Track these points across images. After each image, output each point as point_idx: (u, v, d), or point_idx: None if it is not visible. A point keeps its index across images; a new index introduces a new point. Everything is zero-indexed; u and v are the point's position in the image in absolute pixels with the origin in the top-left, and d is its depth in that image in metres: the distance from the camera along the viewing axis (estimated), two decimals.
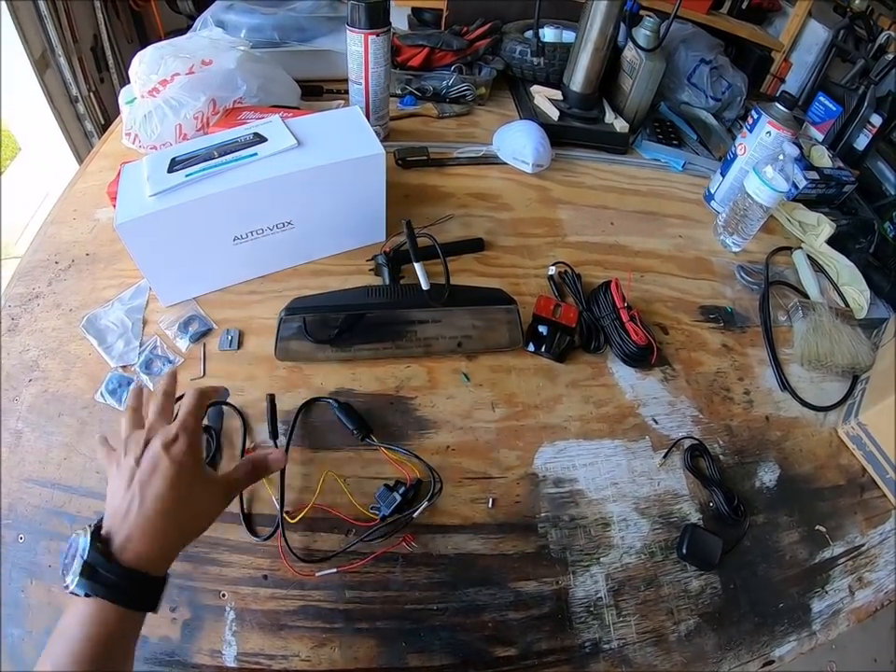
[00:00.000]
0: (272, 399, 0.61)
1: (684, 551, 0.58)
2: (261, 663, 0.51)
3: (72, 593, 0.37)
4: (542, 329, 0.68)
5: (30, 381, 0.67)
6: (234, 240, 0.67)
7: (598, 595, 0.57)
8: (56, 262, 0.80)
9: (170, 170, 0.66)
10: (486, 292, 0.64)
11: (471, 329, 0.65)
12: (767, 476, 0.67)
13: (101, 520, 0.42)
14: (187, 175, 0.65)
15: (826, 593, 0.61)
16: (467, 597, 0.55)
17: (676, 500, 0.63)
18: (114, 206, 0.84)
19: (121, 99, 0.96)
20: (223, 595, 0.53)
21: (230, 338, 0.68)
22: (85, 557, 0.38)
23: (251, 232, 0.68)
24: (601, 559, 0.58)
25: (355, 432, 0.60)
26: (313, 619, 0.53)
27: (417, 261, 0.60)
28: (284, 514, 0.56)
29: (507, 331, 0.66)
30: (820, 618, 0.60)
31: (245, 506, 0.57)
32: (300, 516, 0.55)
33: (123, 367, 0.67)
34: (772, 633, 0.58)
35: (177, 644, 0.52)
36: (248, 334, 0.69)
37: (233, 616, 0.53)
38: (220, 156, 0.67)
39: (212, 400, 0.53)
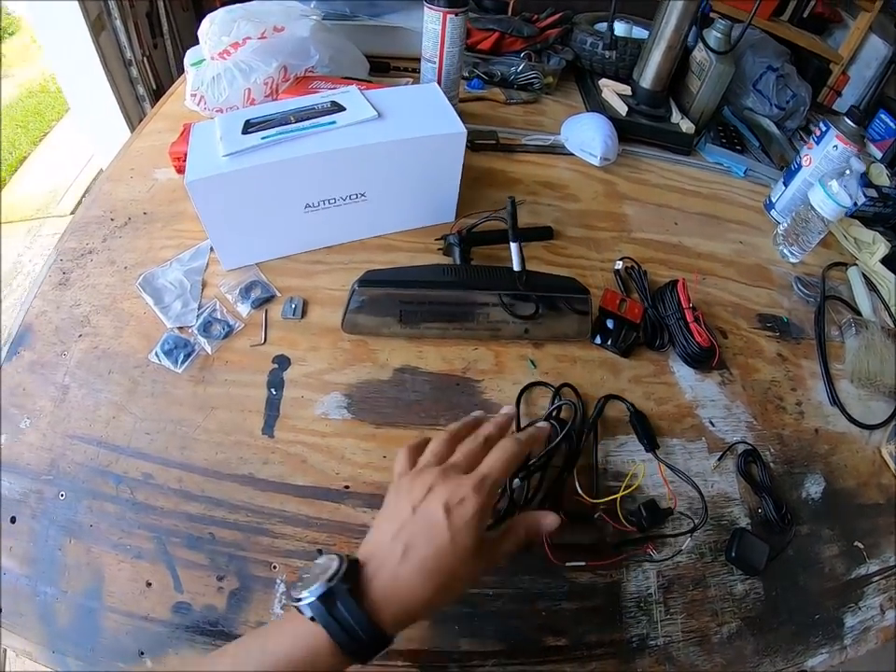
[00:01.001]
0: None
1: (733, 554, 0.57)
2: None
3: (298, 608, 0.34)
4: (610, 322, 0.65)
5: (80, 336, 0.65)
6: (305, 207, 0.65)
7: (649, 592, 0.55)
8: (112, 219, 0.78)
9: (244, 131, 0.64)
10: (561, 280, 0.62)
11: (540, 317, 0.62)
12: (813, 488, 0.65)
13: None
14: (262, 138, 0.62)
15: (859, 609, 0.59)
16: (523, 585, 0.53)
17: (727, 503, 0.61)
18: (174, 167, 0.82)
19: (187, 60, 0.93)
20: (274, 567, 0.52)
21: (293, 306, 0.66)
22: (332, 584, 0.34)
23: (323, 201, 0.65)
24: (653, 556, 0.56)
25: (645, 442, 0.60)
26: None
27: (515, 241, 0.57)
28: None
29: (576, 322, 0.63)
30: (852, 633, 0.58)
31: None
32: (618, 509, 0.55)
33: (180, 328, 0.65)
34: (807, 643, 0.56)
35: (222, 614, 0.50)
36: (312, 304, 0.67)
37: (283, 589, 0.51)
38: (297, 121, 0.65)
39: (528, 456, 0.47)
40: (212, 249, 0.71)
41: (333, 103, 0.68)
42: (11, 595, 0.52)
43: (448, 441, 0.44)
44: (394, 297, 0.58)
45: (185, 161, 0.80)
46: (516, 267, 0.58)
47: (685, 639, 0.54)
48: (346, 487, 0.55)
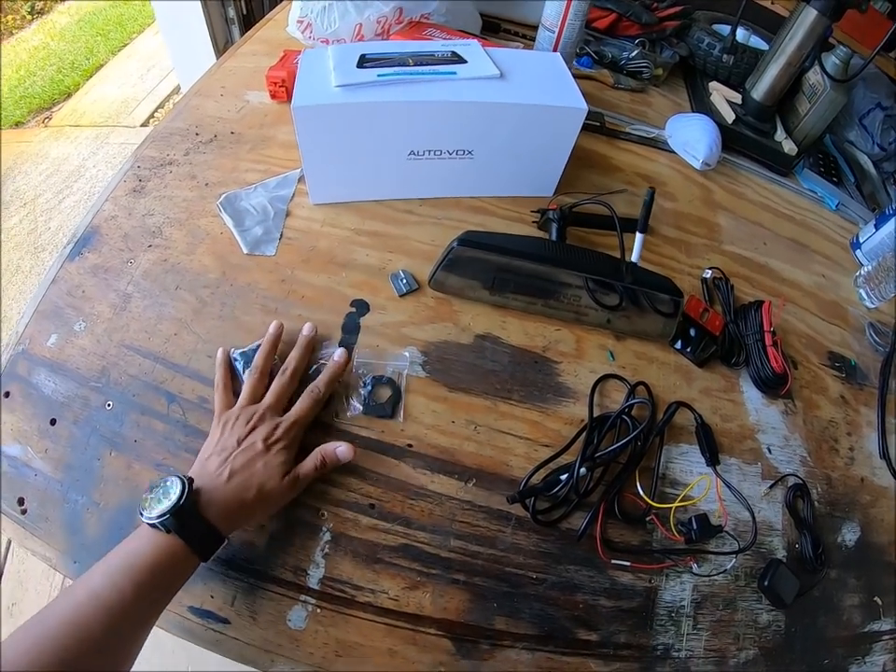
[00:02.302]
0: None
1: (766, 583, 0.54)
2: (346, 591, 0.47)
3: (153, 525, 0.39)
4: (692, 330, 0.61)
5: (149, 246, 0.61)
6: (409, 154, 0.60)
7: (682, 603, 0.52)
8: (197, 134, 0.73)
9: (359, 65, 0.59)
10: (656, 278, 0.57)
11: (623, 309, 0.58)
12: (849, 535, 0.61)
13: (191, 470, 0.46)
14: (379, 75, 0.57)
15: (864, 663, 0.56)
16: (567, 574, 0.50)
17: (769, 532, 0.58)
18: (269, 91, 0.77)
19: None
20: (322, 515, 0.49)
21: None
22: (181, 502, 0.40)
23: (429, 151, 0.60)
24: (694, 569, 0.53)
25: (707, 456, 0.56)
26: (411, 560, 0.48)
27: (642, 232, 0.53)
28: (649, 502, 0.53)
29: (662, 323, 0.58)
30: None
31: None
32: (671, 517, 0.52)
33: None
34: None
35: (260, 553, 0.47)
36: (398, 253, 0.62)
37: (329, 538, 0.48)
38: (415, 65, 0.60)
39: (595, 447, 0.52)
40: (300, 180, 0.66)
41: (454, 53, 0.62)
42: (39, 497, 0.50)
43: (259, 379, 0.51)
44: (491, 262, 0.54)
45: (282, 86, 0.76)
46: (634, 258, 0.53)
47: (705, 657, 0.51)
48: (409, 446, 0.51)
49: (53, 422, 0.52)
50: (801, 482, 0.60)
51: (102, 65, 2.80)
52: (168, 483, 0.41)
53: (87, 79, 2.71)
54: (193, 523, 0.40)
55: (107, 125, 2.36)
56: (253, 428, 0.46)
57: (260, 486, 0.44)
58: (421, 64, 0.60)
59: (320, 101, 0.55)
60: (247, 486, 0.43)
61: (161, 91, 2.47)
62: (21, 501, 0.50)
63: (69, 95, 2.64)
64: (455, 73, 0.59)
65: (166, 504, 0.39)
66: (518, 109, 0.58)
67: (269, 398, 0.49)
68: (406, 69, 0.59)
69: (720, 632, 0.52)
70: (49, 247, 1.84)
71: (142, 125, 2.32)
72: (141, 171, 0.69)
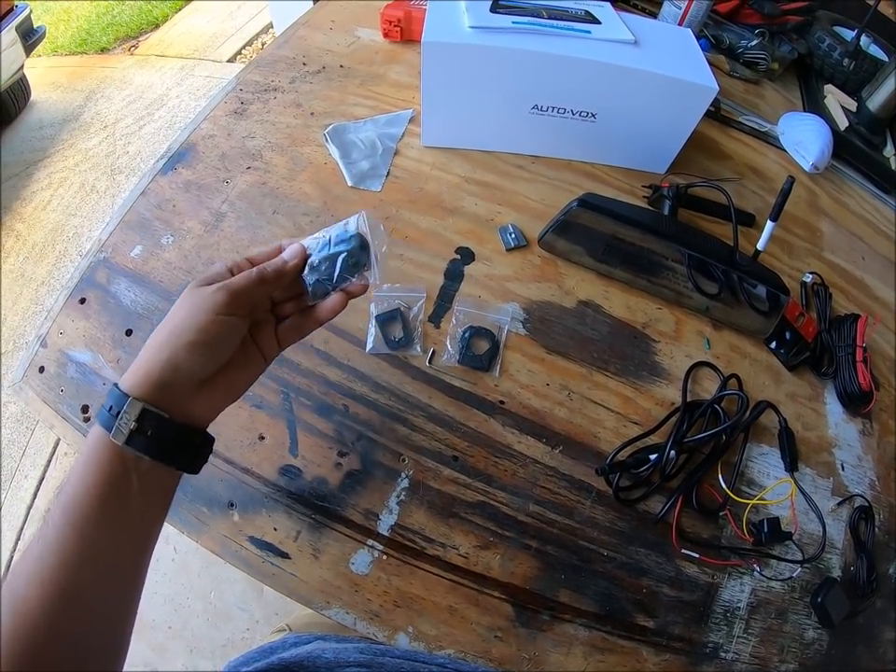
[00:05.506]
0: None
1: (819, 600, 0.49)
2: (416, 542, 0.43)
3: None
4: (787, 333, 0.55)
5: (248, 168, 0.57)
6: (532, 108, 0.55)
7: (738, 605, 0.48)
8: (304, 64, 0.69)
9: (493, 10, 0.54)
10: (767, 272, 0.51)
11: (725, 300, 0.52)
12: None
13: None
14: (514, 22, 0.52)
15: None
16: (636, 556, 0.46)
17: (830, 549, 0.53)
18: (382, 29, 0.72)
19: None
20: (403, 460, 0.45)
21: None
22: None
23: (553, 108, 0.55)
24: (757, 571, 0.49)
25: (787, 461, 0.52)
26: (487, 518, 0.44)
27: (774, 221, 0.48)
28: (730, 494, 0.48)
29: (761, 318, 0.53)
30: None
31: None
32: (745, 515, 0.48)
33: None
34: None
35: (333, 491, 0.44)
36: (506, 207, 0.57)
37: (406, 485, 0.44)
38: (549, 18, 0.54)
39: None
40: (412, 120, 0.61)
41: (587, 13, 0.57)
42: None
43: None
44: (604, 229, 0.49)
45: (397, 25, 0.71)
46: (760, 246, 0.48)
47: (749, 663, 0.47)
48: (501, 402, 0.47)
49: (129, 332, 0.50)
50: (867, 505, 0.56)
51: None
52: None
53: (176, 12, 2.65)
54: (107, 400, 0.30)
55: (193, 57, 2.31)
56: None
57: (162, 326, 0.33)
58: (555, 18, 0.54)
59: (453, 39, 0.50)
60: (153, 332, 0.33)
61: (249, 29, 2.39)
62: (84, 409, 0.47)
63: (157, 26, 2.59)
64: (589, 32, 0.54)
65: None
66: (652, 78, 0.52)
67: None
68: (540, 20, 0.53)
69: (767, 640, 0.48)
70: (126, 171, 1.81)
71: (228, 60, 2.26)
72: (243, 94, 0.65)
